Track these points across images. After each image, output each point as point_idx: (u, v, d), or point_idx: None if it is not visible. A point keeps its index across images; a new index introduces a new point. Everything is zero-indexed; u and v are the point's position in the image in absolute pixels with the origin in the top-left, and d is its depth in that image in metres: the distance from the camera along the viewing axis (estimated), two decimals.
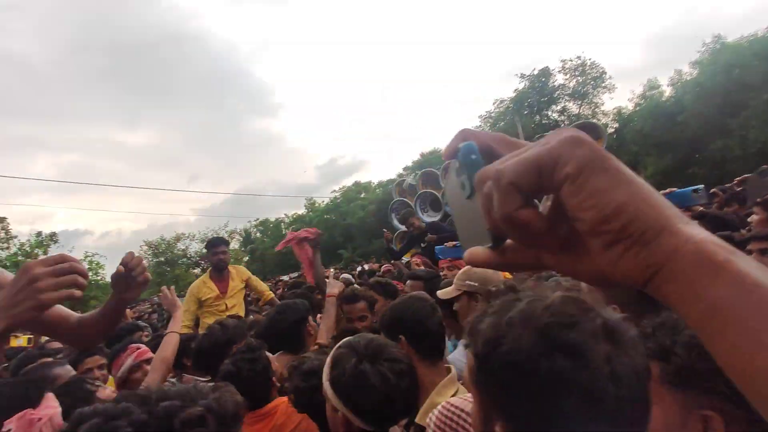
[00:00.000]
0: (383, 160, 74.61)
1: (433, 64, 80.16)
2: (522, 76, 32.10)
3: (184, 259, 28.73)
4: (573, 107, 31.75)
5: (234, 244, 34.80)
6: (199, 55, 79.72)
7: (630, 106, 27.56)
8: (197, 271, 30.38)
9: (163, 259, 28.33)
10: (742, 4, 43.11)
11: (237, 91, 79.88)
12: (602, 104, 30.76)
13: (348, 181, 46.63)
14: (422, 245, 5.41)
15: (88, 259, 21.67)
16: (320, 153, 76.50)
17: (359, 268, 12.89)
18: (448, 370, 1.55)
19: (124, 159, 66.26)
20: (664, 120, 22.73)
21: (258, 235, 38.68)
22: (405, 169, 35.18)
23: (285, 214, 38.70)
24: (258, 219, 39.23)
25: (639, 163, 22.26)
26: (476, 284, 2.03)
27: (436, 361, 1.56)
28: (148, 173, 64.01)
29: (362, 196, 35.09)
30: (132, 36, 72.01)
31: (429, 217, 7.25)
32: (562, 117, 31.48)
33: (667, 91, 25.55)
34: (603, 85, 30.80)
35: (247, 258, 34.61)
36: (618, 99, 42.32)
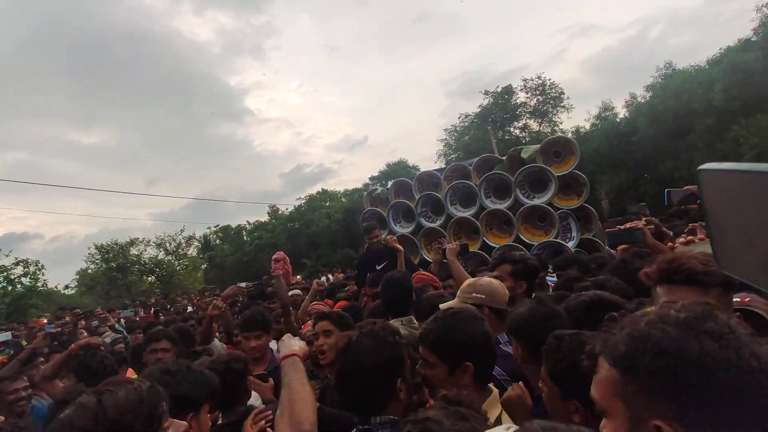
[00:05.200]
0: (349, 170, 74.19)
1: (399, 75, 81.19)
2: (486, 92, 33.15)
3: (138, 266, 27.17)
4: (534, 125, 33.04)
5: (191, 251, 33.47)
6: (164, 56, 76.55)
7: (587, 126, 28.95)
8: (152, 278, 28.88)
9: (114, 264, 26.66)
10: (687, 35, 46.73)
11: (202, 95, 77.14)
12: (561, 123, 32.16)
13: (313, 190, 45.97)
14: (377, 267, 4.90)
15: (21, 264, 19.68)
16: (286, 161, 75.09)
17: (323, 278, 12.76)
18: (491, 391, 1.49)
19: (77, 159, 62.12)
20: (619, 140, 24.01)
21: (218, 242, 37.34)
22: (371, 178, 35.24)
23: (247, 221, 37.61)
24: (218, 225, 37.90)
25: (595, 181, 23.35)
26: (483, 296, 1.98)
27: (486, 384, 1.50)
28: (103, 175, 60.33)
29: (327, 204, 34.74)
30: (92, 35, 68.21)
31: (402, 228, 7.20)
32: (524, 134, 32.62)
33: (621, 113, 27.07)
34: (562, 104, 32.32)
35: (206, 265, 33.28)
36: (575, 119, 44.54)
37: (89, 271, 27.42)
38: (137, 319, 8.04)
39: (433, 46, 77.80)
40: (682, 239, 1.84)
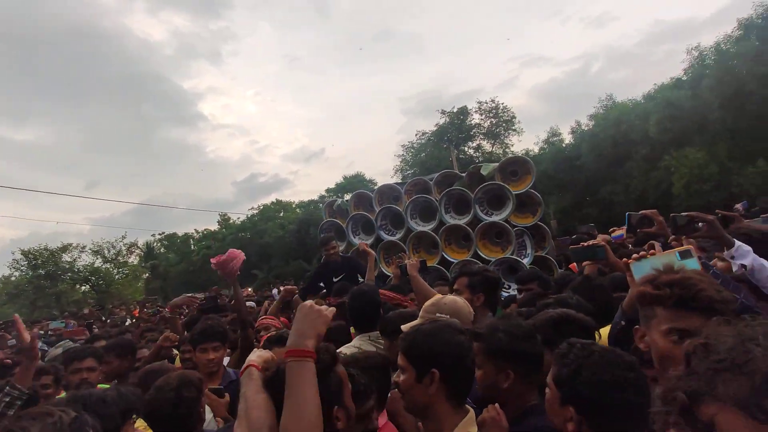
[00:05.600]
0: (305, 182, 73.33)
1: (357, 90, 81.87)
2: (443, 112, 34.12)
3: (71, 273, 25.01)
4: (487, 146, 34.34)
5: (132, 259, 31.39)
6: (112, 54, 72.35)
7: (536, 150, 30.44)
8: (85, 288, 26.71)
9: (43, 272, 24.38)
10: (624, 71, 50.97)
11: (152, 97, 73.61)
12: (512, 145, 33.63)
13: (267, 200, 44.56)
14: (334, 279, 4.86)
15: None
16: (239, 169, 72.91)
17: (274, 290, 12.35)
18: (468, 411, 1.43)
19: (6, 157, 56.77)
20: (565, 164, 25.44)
21: (162, 250, 35.31)
22: (327, 190, 34.95)
23: (195, 230, 35.92)
24: (163, 233, 35.91)
25: (544, 201, 24.43)
26: (447, 316, 1.95)
27: (461, 402, 1.44)
28: (36, 175, 55.49)
29: (282, 215, 34.00)
30: (31, 26, 63.25)
31: (360, 241, 7.12)
32: (477, 153, 33.77)
33: (567, 138, 28.75)
34: (513, 128, 33.86)
35: (148, 275, 31.34)
36: (525, 142, 46.90)
37: (12, 278, 24.96)
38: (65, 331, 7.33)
39: (392, 64, 79.49)
40: (635, 255, 1.91)
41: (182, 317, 5.68)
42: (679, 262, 1.66)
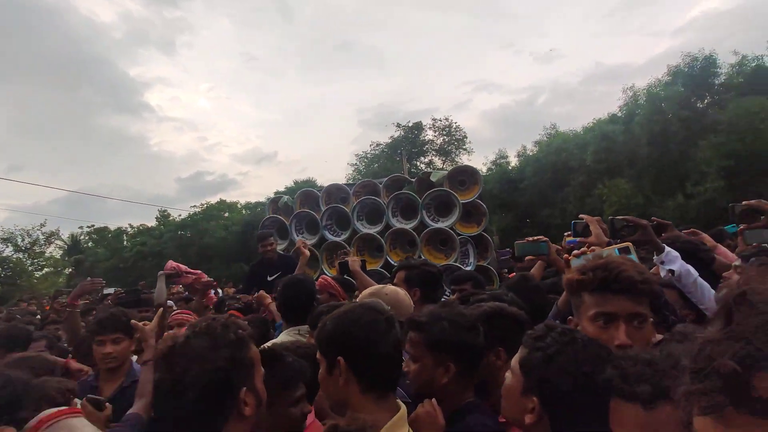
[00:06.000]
0: (255, 184, 71.01)
1: (315, 97, 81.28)
2: (398, 125, 34.64)
3: None
4: (438, 162, 35.17)
5: (52, 250, 28.60)
6: (50, 30, 66.49)
7: (483, 170, 31.58)
8: None
9: None
10: (567, 105, 54.81)
11: (93, 81, 68.18)
12: (462, 163, 34.71)
13: (213, 200, 42.25)
14: (269, 278, 4.61)
15: None
16: (185, 165, 69.10)
17: (212, 292, 11.69)
18: (398, 407, 1.24)
19: None
20: (509, 186, 26.63)
21: (90, 244, 32.44)
22: (276, 193, 34.04)
23: (129, 225, 33.37)
24: (93, 225, 33.05)
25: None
26: (387, 308, 1.84)
27: (385, 394, 1.23)
28: None
29: (226, 215, 32.53)
30: None
31: (301, 238, 6.90)
32: (429, 169, 34.43)
33: (513, 161, 30.15)
34: (464, 147, 35.06)
35: (71, 269, 28.63)
36: (474, 162, 48.75)
37: None
38: None
39: (352, 74, 79.66)
40: (576, 252, 1.93)
41: (93, 312, 5.13)
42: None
